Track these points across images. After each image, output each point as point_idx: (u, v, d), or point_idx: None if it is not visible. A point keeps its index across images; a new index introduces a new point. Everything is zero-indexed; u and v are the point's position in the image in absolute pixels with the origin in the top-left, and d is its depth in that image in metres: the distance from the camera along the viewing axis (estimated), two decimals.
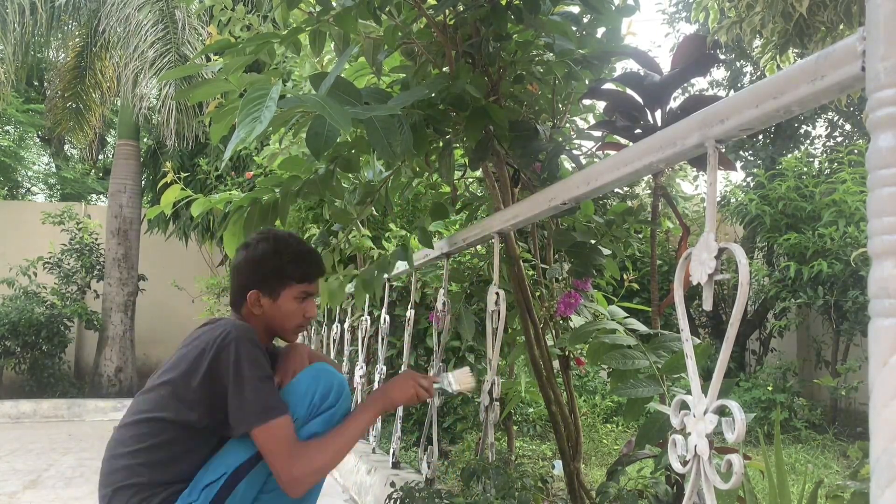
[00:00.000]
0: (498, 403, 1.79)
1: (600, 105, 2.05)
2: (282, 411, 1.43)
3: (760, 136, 8.47)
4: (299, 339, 1.74)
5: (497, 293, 1.80)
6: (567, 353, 2.15)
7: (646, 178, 4.26)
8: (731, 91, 8.47)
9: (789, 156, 7.40)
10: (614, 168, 1.21)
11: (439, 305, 2.24)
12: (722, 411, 0.87)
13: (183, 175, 3.22)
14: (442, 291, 2.24)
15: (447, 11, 1.76)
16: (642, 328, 1.91)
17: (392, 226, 3.87)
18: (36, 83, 12.25)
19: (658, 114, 1.62)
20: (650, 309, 1.85)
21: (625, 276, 2.84)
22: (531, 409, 5.35)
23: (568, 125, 2.18)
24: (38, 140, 13.60)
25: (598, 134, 1.96)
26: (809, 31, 3.27)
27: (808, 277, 5.90)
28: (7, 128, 12.14)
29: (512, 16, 1.69)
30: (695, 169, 6.17)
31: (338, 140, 1.65)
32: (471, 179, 2.77)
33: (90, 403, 7.23)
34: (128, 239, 8.19)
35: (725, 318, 7.22)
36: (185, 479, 1.44)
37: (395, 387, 1.63)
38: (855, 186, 5.93)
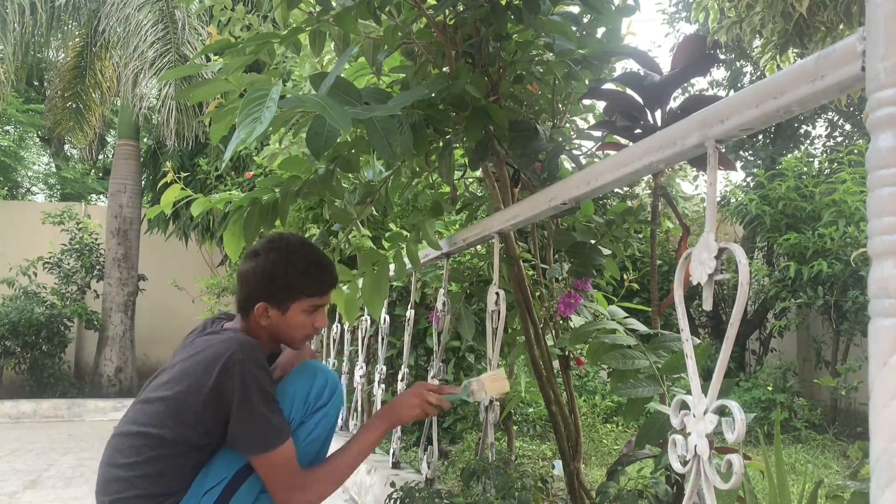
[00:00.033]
0: (498, 403, 1.79)
1: (600, 105, 2.05)
2: (284, 437, 1.41)
3: (760, 136, 8.47)
4: None
5: (497, 293, 1.80)
6: (567, 353, 2.15)
7: (646, 178, 4.26)
8: (731, 91, 8.47)
9: (789, 156, 7.41)
10: (614, 168, 1.21)
11: (439, 305, 2.23)
12: (722, 411, 0.87)
13: (183, 175, 3.22)
14: (442, 291, 2.24)
15: (447, 11, 1.76)
16: (642, 328, 1.91)
17: (392, 226, 3.87)
18: (36, 83, 12.25)
19: (658, 114, 1.62)
20: (650, 309, 1.85)
21: (625, 276, 2.84)
22: (531, 409, 5.35)
23: (568, 125, 2.18)
24: (38, 140, 13.60)
25: (598, 134, 1.96)
26: (809, 31, 3.27)
27: (808, 277, 5.90)
28: (7, 128, 12.14)
29: (512, 16, 1.69)
30: (695, 169, 6.17)
31: (338, 140, 1.65)
32: (471, 179, 2.77)
33: (90, 403, 7.23)
34: (128, 239, 8.19)
35: (725, 318, 7.22)
36: (184, 489, 1.42)
37: (403, 406, 1.58)
38: (855, 186, 5.93)
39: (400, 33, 1.76)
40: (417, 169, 2.21)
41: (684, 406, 0.94)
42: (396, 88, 1.92)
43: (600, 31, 1.87)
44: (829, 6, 3.09)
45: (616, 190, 3.78)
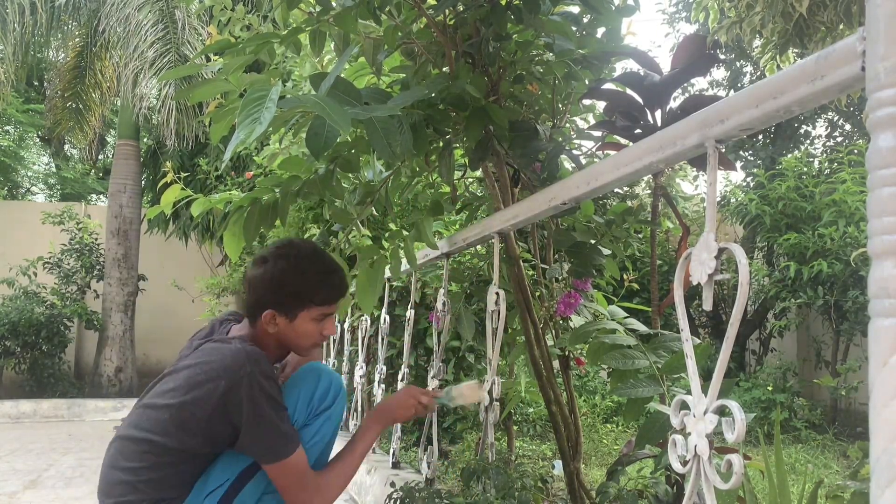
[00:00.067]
0: (498, 403, 1.79)
1: (600, 105, 2.05)
2: (295, 444, 1.42)
3: (760, 136, 8.47)
4: None
5: (497, 293, 1.80)
6: (567, 353, 2.15)
7: (646, 178, 4.26)
8: (731, 91, 8.47)
9: (789, 156, 7.41)
10: (614, 168, 1.21)
11: (439, 305, 2.23)
12: (722, 411, 0.87)
13: (183, 175, 3.22)
14: (442, 291, 2.24)
15: (447, 11, 1.76)
16: (642, 328, 1.91)
17: (392, 226, 3.88)
18: (36, 83, 12.25)
19: (658, 114, 1.62)
20: (650, 309, 1.85)
21: (625, 276, 2.84)
22: (531, 409, 5.35)
23: (568, 125, 2.18)
24: (38, 140, 13.60)
25: (598, 134, 1.95)
26: (809, 31, 3.27)
27: (808, 277, 5.90)
28: (7, 128, 12.14)
29: (512, 16, 1.69)
30: (695, 169, 6.18)
31: (338, 140, 1.65)
32: (471, 179, 2.77)
33: (90, 403, 7.23)
34: (128, 239, 8.19)
35: (725, 318, 7.22)
36: (187, 492, 1.43)
37: (396, 405, 1.65)
38: (855, 186, 5.93)
39: (400, 33, 1.76)
40: (417, 169, 2.21)
41: (684, 406, 0.94)
42: (396, 88, 1.92)
43: (600, 31, 1.87)
44: (829, 6, 3.09)
45: (616, 190, 3.77)
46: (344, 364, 4.25)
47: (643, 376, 1.62)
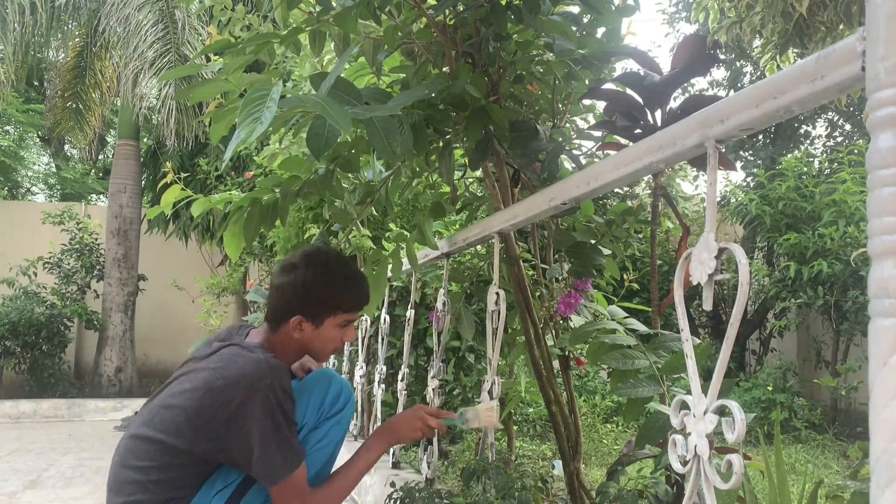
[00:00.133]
0: (498, 403, 1.78)
1: (600, 105, 2.05)
2: (299, 461, 1.43)
3: (760, 136, 8.47)
4: None
5: (497, 293, 1.80)
6: (567, 353, 2.15)
7: (646, 178, 4.26)
8: (731, 91, 8.47)
9: (789, 156, 7.41)
10: (614, 168, 1.21)
11: (439, 305, 2.23)
12: (722, 411, 0.87)
13: (183, 175, 3.22)
14: (442, 291, 2.24)
15: (447, 11, 1.76)
16: (642, 328, 1.91)
17: (392, 226, 3.88)
18: (36, 83, 12.25)
19: (658, 114, 1.62)
20: (650, 309, 1.85)
21: (625, 276, 2.84)
22: (531, 409, 5.35)
23: (568, 125, 2.18)
24: (38, 140, 13.60)
25: (598, 134, 1.95)
26: (809, 31, 3.27)
27: (808, 277, 5.90)
28: (7, 128, 12.14)
29: (512, 16, 1.69)
30: (695, 169, 6.17)
31: (338, 140, 1.65)
32: (471, 179, 2.77)
33: (90, 403, 7.23)
34: (128, 239, 8.19)
35: (725, 318, 7.22)
36: (195, 492, 1.43)
37: (402, 425, 1.62)
38: (855, 186, 5.94)
39: (400, 33, 1.76)
40: (417, 169, 2.21)
41: (684, 406, 0.94)
42: (396, 88, 1.92)
43: (600, 31, 1.87)
44: (829, 6, 3.09)
45: (616, 190, 3.78)
46: (344, 364, 4.25)
47: (643, 376, 1.62)
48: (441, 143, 1.93)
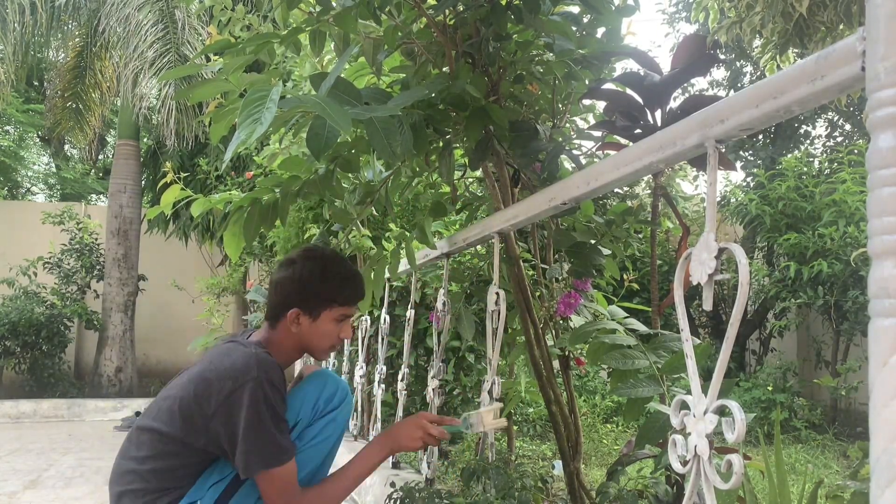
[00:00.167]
0: (500, 404, 1.78)
1: (600, 105, 2.05)
2: (288, 456, 1.43)
3: (760, 136, 8.47)
4: None
5: (497, 293, 1.80)
6: (567, 353, 2.15)
7: (646, 178, 4.26)
8: (731, 91, 8.47)
9: (789, 156, 7.41)
10: (614, 168, 1.21)
11: (439, 305, 2.23)
12: (722, 411, 0.87)
13: (183, 175, 3.22)
14: (442, 291, 2.24)
15: (447, 11, 1.76)
16: (642, 328, 1.90)
17: (392, 226, 3.88)
18: (36, 83, 12.25)
19: (658, 114, 1.62)
20: (650, 309, 1.85)
21: (625, 276, 2.84)
22: (531, 409, 5.35)
23: (568, 125, 2.18)
24: (38, 140, 13.60)
25: (598, 134, 1.95)
26: (809, 31, 3.27)
27: (808, 277, 5.90)
28: (7, 128, 12.14)
29: (512, 16, 1.69)
30: (695, 169, 6.17)
31: (338, 140, 1.65)
32: (471, 179, 2.77)
33: (90, 403, 7.23)
34: (128, 239, 8.20)
35: (725, 318, 7.22)
36: (191, 483, 1.45)
37: (403, 434, 1.62)
38: (855, 186, 5.94)
39: (400, 33, 1.76)
40: (417, 169, 2.21)
41: (684, 406, 0.94)
42: (396, 88, 1.92)
43: (600, 31, 1.87)
44: (829, 6, 3.09)
45: (616, 190, 3.78)
46: (344, 364, 4.25)
47: (643, 376, 1.62)
48: (441, 143, 1.93)
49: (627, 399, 1.65)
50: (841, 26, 3.17)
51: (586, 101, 2.09)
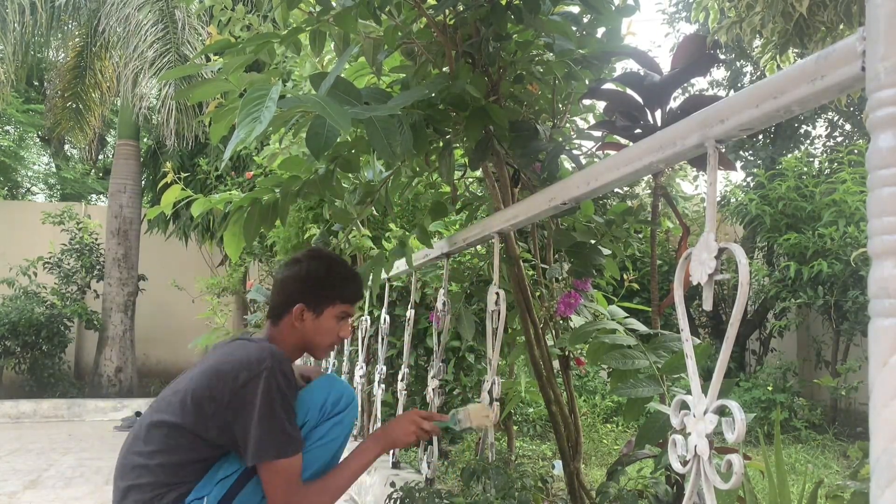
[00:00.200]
0: (498, 403, 1.79)
1: (600, 105, 2.05)
2: (295, 449, 1.46)
3: (760, 136, 8.47)
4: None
5: (497, 293, 1.80)
6: (567, 353, 2.15)
7: (646, 178, 4.26)
8: (731, 91, 8.47)
9: (789, 156, 7.41)
10: (614, 168, 1.21)
11: (439, 305, 2.23)
12: (722, 411, 0.87)
13: (183, 175, 3.22)
14: (442, 291, 2.24)
15: (447, 11, 1.76)
16: (642, 328, 1.90)
17: (392, 226, 3.88)
18: (36, 83, 12.25)
19: (658, 114, 1.62)
20: (650, 309, 1.85)
21: (625, 276, 2.84)
22: (531, 409, 5.35)
23: (568, 125, 2.18)
24: (38, 140, 13.60)
25: (598, 134, 1.95)
26: (809, 31, 3.27)
27: (808, 277, 5.90)
28: (7, 128, 12.14)
29: (512, 16, 1.69)
30: (695, 169, 6.17)
31: (338, 140, 1.66)
32: (471, 179, 2.77)
33: (90, 403, 7.23)
34: (128, 239, 8.20)
35: (725, 318, 7.22)
36: (199, 478, 1.47)
37: (397, 429, 1.66)
38: (855, 186, 5.93)
39: (400, 33, 1.76)
40: (417, 169, 2.21)
41: (684, 406, 0.94)
42: (396, 88, 1.92)
43: (600, 31, 1.87)
44: (829, 6, 3.09)
45: (616, 190, 3.77)
46: (344, 364, 4.25)
47: (643, 376, 1.62)
48: (441, 143, 1.93)
49: (627, 399, 1.65)
50: (841, 26, 3.17)
51: (586, 101, 2.09)
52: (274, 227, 2.08)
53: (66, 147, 13.41)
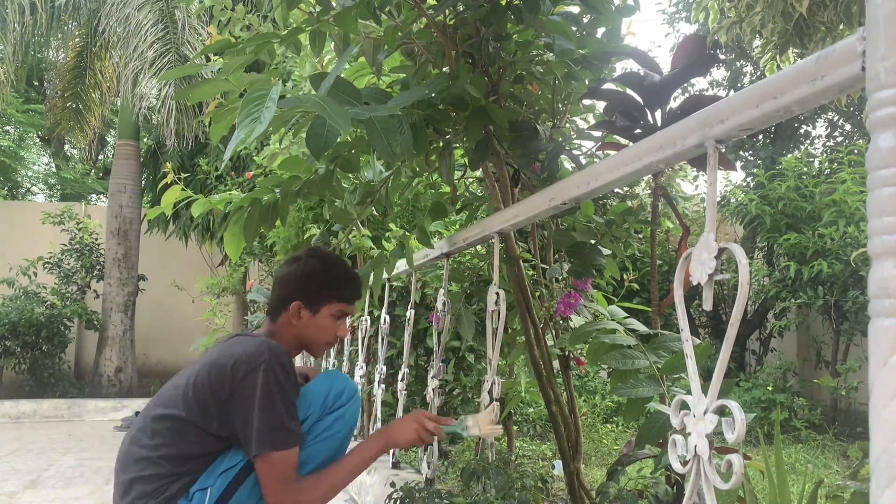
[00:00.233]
0: (498, 403, 1.79)
1: (600, 105, 2.05)
2: (294, 441, 1.47)
3: (760, 136, 8.47)
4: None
5: (497, 293, 1.80)
6: (567, 353, 2.15)
7: (646, 178, 4.26)
8: (731, 91, 8.47)
9: (789, 156, 7.41)
10: (614, 168, 1.21)
11: (439, 305, 2.23)
12: (722, 411, 0.87)
13: (183, 175, 3.22)
14: (442, 291, 2.24)
15: (447, 11, 1.76)
16: (642, 328, 1.90)
17: (392, 226, 3.88)
18: (36, 83, 12.25)
19: (658, 114, 1.62)
20: (650, 309, 1.85)
21: (625, 276, 2.84)
22: (531, 409, 5.35)
23: (568, 125, 2.18)
24: (38, 140, 13.60)
25: (598, 134, 1.95)
26: (809, 31, 3.27)
27: (808, 277, 5.90)
28: (7, 128, 12.14)
29: (512, 16, 1.69)
30: (695, 169, 6.17)
31: (338, 140, 1.66)
32: (471, 179, 2.77)
33: (90, 403, 7.23)
34: (128, 239, 8.20)
35: (725, 318, 7.22)
36: (203, 469, 1.48)
37: (399, 429, 1.65)
38: (855, 186, 5.94)
39: (400, 33, 1.76)
40: (417, 169, 2.21)
41: (684, 406, 0.94)
42: (396, 88, 1.92)
43: (600, 31, 1.87)
44: (829, 6, 3.09)
45: (616, 190, 3.77)
46: (344, 364, 4.25)
47: (643, 376, 1.62)
48: (441, 143, 1.93)
49: (627, 399, 1.65)
50: (841, 26, 3.17)
51: (586, 101, 2.09)
52: (274, 227, 2.08)
53: (66, 147, 13.41)
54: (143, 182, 8.85)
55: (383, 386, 3.14)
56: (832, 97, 0.80)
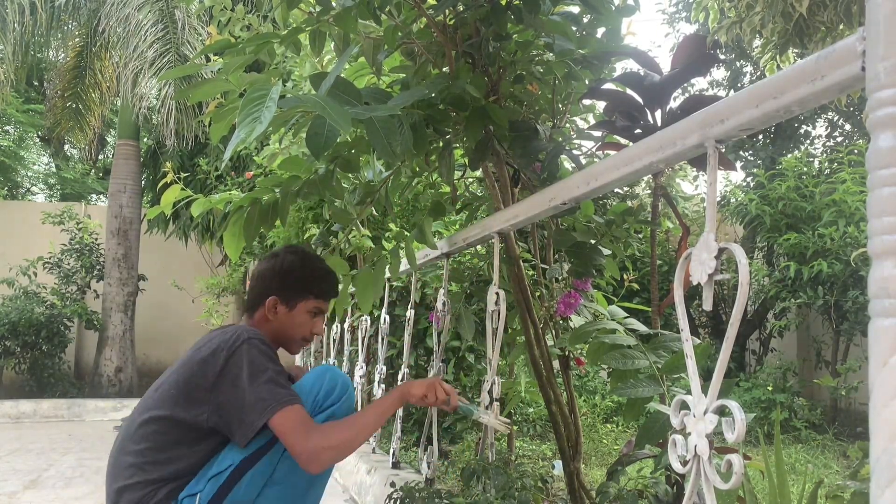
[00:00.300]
0: (498, 403, 1.79)
1: (600, 105, 2.05)
2: (295, 399, 1.45)
3: (760, 136, 8.47)
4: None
5: (497, 293, 1.80)
6: (567, 353, 2.15)
7: (646, 178, 4.26)
8: (731, 91, 8.47)
9: (789, 156, 7.41)
10: (614, 168, 1.21)
11: (439, 305, 2.23)
12: (722, 411, 0.87)
13: (183, 175, 3.22)
14: (442, 291, 2.24)
15: (447, 11, 1.76)
16: (642, 328, 1.90)
17: (392, 226, 3.88)
18: (36, 83, 12.25)
19: (658, 114, 1.62)
20: (650, 309, 1.85)
21: (625, 276, 2.84)
22: (531, 409, 5.35)
23: (568, 125, 2.18)
24: (38, 140, 13.60)
25: (598, 134, 1.95)
26: (809, 31, 3.27)
27: (808, 277, 5.90)
28: (7, 128, 12.14)
29: (512, 16, 1.69)
30: (695, 169, 6.18)
31: (338, 140, 1.66)
32: (471, 179, 2.77)
33: (90, 403, 7.23)
34: (128, 239, 8.20)
35: (725, 318, 7.22)
36: (191, 474, 1.47)
37: (416, 384, 1.62)
38: (855, 186, 5.93)
39: (400, 33, 1.76)
40: (417, 169, 2.21)
41: (684, 406, 0.94)
42: (396, 88, 1.92)
43: (600, 31, 1.87)
44: (829, 6, 3.09)
45: (616, 190, 3.77)
46: (344, 364, 4.25)
47: (643, 376, 1.62)
48: (441, 143, 1.93)
49: (627, 399, 1.65)
50: (841, 26, 3.17)
51: (586, 101, 2.09)
52: (274, 227, 2.08)
53: (66, 147, 13.41)
54: (143, 182, 8.85)
55: (383, 386, 3.14)
56: (832, 97, 0.80)
